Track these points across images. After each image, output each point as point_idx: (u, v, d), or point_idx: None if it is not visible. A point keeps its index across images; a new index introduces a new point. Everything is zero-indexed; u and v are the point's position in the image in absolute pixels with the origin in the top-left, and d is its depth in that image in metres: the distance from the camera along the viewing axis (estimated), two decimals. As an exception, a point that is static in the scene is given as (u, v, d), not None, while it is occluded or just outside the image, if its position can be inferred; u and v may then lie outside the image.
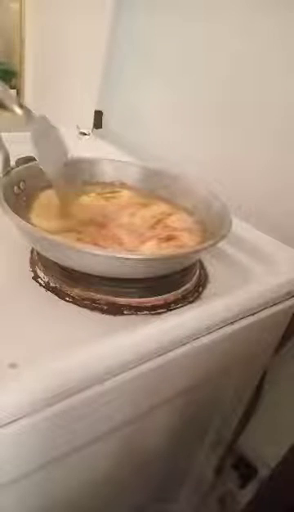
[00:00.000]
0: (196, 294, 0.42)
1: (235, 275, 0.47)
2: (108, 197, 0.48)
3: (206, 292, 0.44)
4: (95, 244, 0.39)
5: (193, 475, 0.67)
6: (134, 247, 0.39)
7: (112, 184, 0.51)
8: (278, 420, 0.70)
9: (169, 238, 0.41)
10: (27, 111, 0.41)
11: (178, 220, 0.45)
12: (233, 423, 0.63)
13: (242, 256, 0.49)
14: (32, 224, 0.37)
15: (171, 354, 0.35)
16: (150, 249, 0.39)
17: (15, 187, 0.42)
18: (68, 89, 0.81)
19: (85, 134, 0.87)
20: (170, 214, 0.46)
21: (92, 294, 0.38)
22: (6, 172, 0.42)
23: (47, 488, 0.38)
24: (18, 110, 0.40)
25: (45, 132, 0.42)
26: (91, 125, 0.88)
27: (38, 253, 0.42)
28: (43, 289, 0.39)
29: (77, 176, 0.49)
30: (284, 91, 0.55)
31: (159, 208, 0.47)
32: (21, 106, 0.41)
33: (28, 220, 0.40)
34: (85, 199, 0.47)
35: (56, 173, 0.42)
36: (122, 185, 0.51)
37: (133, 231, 0.42)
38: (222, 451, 0.67)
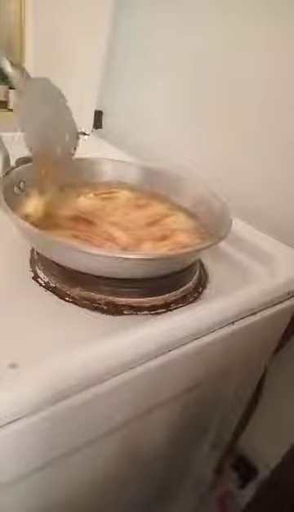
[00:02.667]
0: (196, 294, 0.42)
1: (235, 275, 0.47)
2: (105, 197, 0.48)
3: (206, 292, 0.44)
4: (91, 242, 0.39)
5: (193, 475, 0.67)
6: (130, 246, 0.39)
7: (111, 184, 0.51)
8: (278, 420, 0.70)
9: (164, 237, 0.41)
10: (22, 71, 0.36)
11: (174, 221, 0.45)
12: (233, 423, 0.63)
13: (242, 256, 0.49)
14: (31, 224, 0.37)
15: (171, 354, 0.35)
16: (147, 249, 0.39)
17: (15, 187, 0.42)
18: (68, 89, 0.81)
19: (85, 134, 0.87)
20: (167, 215, 0.46)
21: (92, 294, 0.38)
22: (6, 172, 0.42)
23: (47, 488, 0.38)
24: (9, 69, 0.36)
25: (43, 99, 0.38)
26: (91, 125, 0.88)
27: (38, 253, 0.42)
28: (43, 289, 0.39)
29: (76, 176, 0.49)
30: (285, 91, 0.55)
31: (157, 208, 0.47)
32: (14, 65, 0.36)
33: (27, 220, 0.40)
34: (83, 200, 0.47)
35: (39, 145, 0.39)
36: (122, 185, 0.51)
37: (128, 231, 0.42)
38: (222, 451, 0.67)
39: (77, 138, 0.43)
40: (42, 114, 0.39)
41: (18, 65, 0.37)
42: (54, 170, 0.42)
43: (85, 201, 0.47)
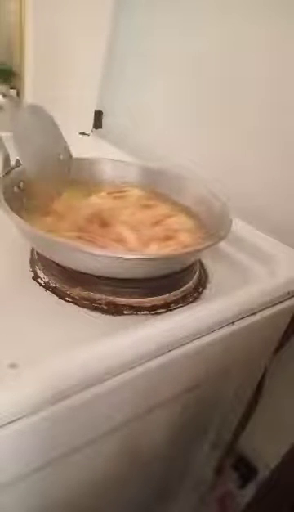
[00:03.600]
0: (196, 294, 0.42)
1: (235, 275, 0.47)
2: (117, 196, 0.48)
3: (206, 292, 0.43)
4: (95, 243, 0.39)
5: (193, 475, 0.67)
6: (135, 247, 0.39)
7: (114, 184, 0.51)
8: (278, 420, 0.70)
9: (168, 238, 0.41)
10: (14, 101, 0.39)
11: (177, 222, 0.45)
12: (233, 423, 0.63)
13: (242, 256, 0.49)
14: (31, 224, 0.37)
15: (171, 354, 0.35)
16: (154, 249, 0.39)
17: (15, 187, 0.42)
18: (68, 89, 0.81)
19: (85, 134, 0.88)
20: (171, 216, 0.46)
21: (92, 294, 0.38)
22: (6, 172, 0.42)
23: (47, 488, 0.38)
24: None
25: (36, 124, 0.41)
26: (91, 125, 0.88)
27: (38, 253, 0.42)
28: (43, 289, 0.39)
29: (77, 176, 0.49)
30: (284, 91, 0.55)
31: (161, 209, 0.47)
32: (5, 95, 0.39)
33: (27, 220, 0.40)
34: (94, 199, 0.47)
35: (39, 171, 0.41)
36: (124, 184, 0.51)
37: (134, 231, 0.42)
38: (222, 451, 0.67)
39: (71, 159, 0.46)
40: (36, 139, 0.42)
41: (8, 95, 0.40)
42: (51, 186, 0.44)
43: (96, 200, 0.47)
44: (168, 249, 0.39)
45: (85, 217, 0.43)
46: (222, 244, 0.49)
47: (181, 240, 0.41)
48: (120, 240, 0.40)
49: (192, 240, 0.41)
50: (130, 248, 0.39)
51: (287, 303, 0.45)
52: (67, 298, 0.38)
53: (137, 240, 0.40)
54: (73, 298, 0.38)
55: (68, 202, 0.45)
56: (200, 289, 0.43)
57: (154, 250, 0.39)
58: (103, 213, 0.44)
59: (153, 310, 0.39)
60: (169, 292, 0.40)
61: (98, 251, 0.33)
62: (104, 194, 0.48)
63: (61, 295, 0.39)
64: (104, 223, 0.42)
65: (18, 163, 0.44)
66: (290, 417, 0.68)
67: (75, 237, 0.39)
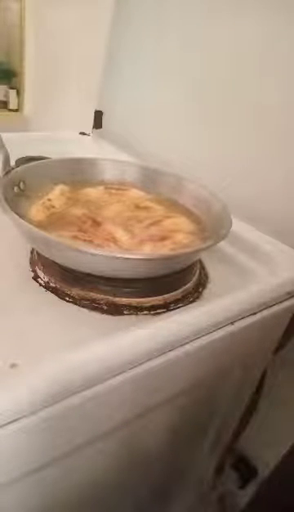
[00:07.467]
0: (196, 293, 0.42)
1: (235, 275, 0.47)
2: (113, 193, 0.48)
3: (206, 292, 0.43)
4: (91, 242, 0.39)
5: (193, 475, 0.67)
6: (128, 247, 0.39)
7: (121, 183, 0.51)
8: (278, 420, 0.70)
9: (163, 238, 0.41)
10: None
11: (174, 223, 0.45)
12: (233, 423, 0.63)
13: (242, 256, 0.49)
14: (31, 223, 0.37)
15: (171, 354, 0.35)
16: (148, 249, 0.39)
17: (15, 187, 0.42)
18: (68, 89, 0.81)
19: (85, 134, 0.88)
20: (168, 217, 0.46)
21: (92, 294, 0.38)
22: (6, 172, 0.42)
23: (47, 488, 0.38)
24: None
25: None
26: (91, 125, 0.89)
27: (38, 253, 0.42)
28: (43, 289, 0.39)
29: (77, 176, 0.49)
30: (283, 91, 0.55)
31: (157, 210, 0.47)
32: None
33: (27, 220, 0.40)
34: (92, 191, 0.47)
35: None
36: (123, 184, 0.51)
37: (127, 231, 0.42)
38: (222, 451, 0.67)
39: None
40: None
41: None
42: None
43: (93, 192, 0.47)
44: (164, 250, 0.39)
45: (77, 216, 0.43)
46: (222, 245, 0.49)
47: (177, 240, 0.41)
48: (112, 240, 0.40)
49: (189, 241, 0.41)
50: (122, 247, 0.39)
51: (286, 303, 0.45)
52: (67, 298, 0.38)
53: (130, 239, 0.40)
54: (73, 298, 0.38)
55: (64, 198, 0.45)
56: (200, 289, 0.43)
57: (148, 250, 0.39)
58: (97, 211, 0.44)
59: (153, 310, 0.39)
60: (169, 292, 0.40)
61: (97, 251, 0.33)
62: (101, 188, 0.48)
63: (61, 295, 0.39)
64: (97, 222, 0.42)
65: (18, 163, 0.44)
66: (290, 417, 0.68)
67: (71, 236, 0.39)
